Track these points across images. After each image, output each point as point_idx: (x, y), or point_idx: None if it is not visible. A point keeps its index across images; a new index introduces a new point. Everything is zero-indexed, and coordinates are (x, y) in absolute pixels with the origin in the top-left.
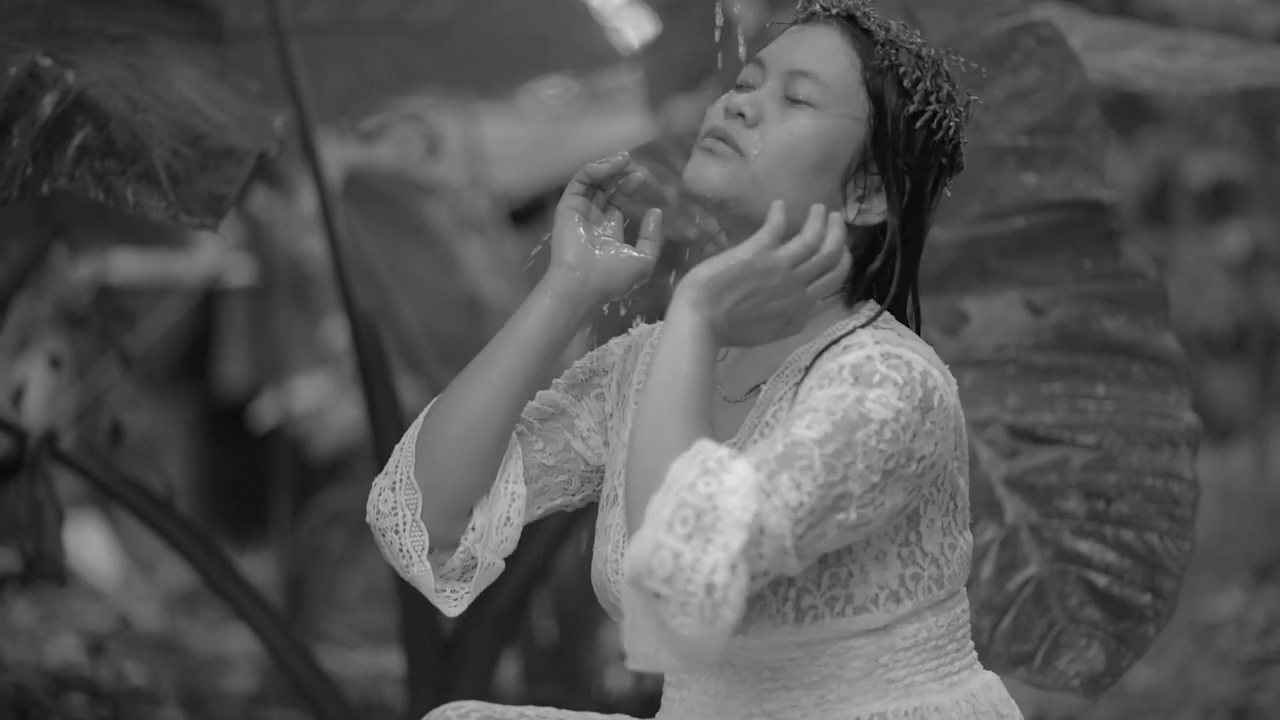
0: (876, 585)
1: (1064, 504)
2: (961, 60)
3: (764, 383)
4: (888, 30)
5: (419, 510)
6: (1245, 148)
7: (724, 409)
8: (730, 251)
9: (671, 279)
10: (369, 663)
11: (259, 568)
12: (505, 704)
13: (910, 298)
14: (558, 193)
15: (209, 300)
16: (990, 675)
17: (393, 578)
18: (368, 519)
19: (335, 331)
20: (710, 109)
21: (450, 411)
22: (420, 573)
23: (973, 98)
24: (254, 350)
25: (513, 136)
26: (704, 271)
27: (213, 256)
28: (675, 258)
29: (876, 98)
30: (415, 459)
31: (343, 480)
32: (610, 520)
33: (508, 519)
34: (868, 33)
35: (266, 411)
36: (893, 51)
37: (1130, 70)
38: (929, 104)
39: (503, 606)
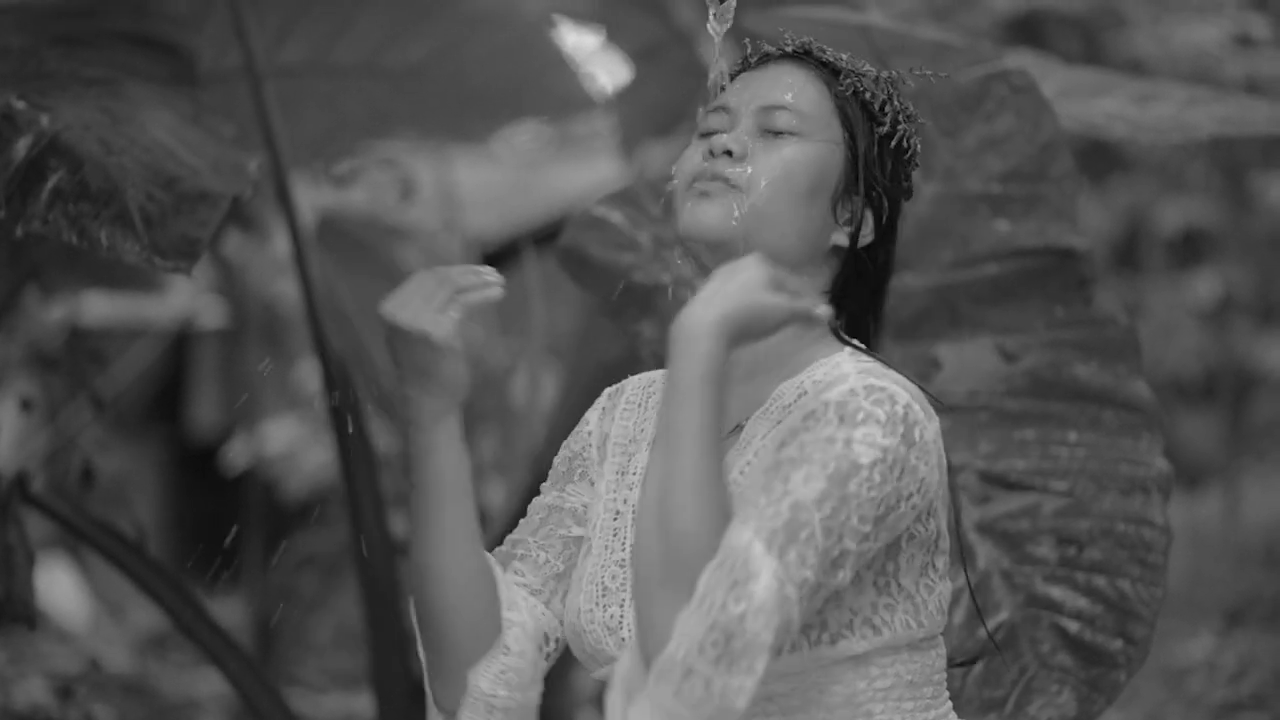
0: (850, 610)
1: (1036, 550)
2: (929, 73)
3: (746, 420)
4: (843, 60)
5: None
6: (1215, 195)
7: None
8: (719, 290)
9: (643, 327)
10: (339, 706)
11: (229, 610)
12: None
13: (874, 321)
14: (531, 237)
15: (181, 343)
16: None
17: (363, 621)
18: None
19: (307, 375)
20: (682, 158)
21: (425, 590)
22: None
23: (922, 120)
24: (226, 393)
25: (486, 181)
26: (709, 313)
27: (185, 299)
28: (649, 304)
29: (848, 123)
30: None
31: (314, 523)
32: (585, 570)
33: (506, 648)
34: (827, 64)
35: (238, 454)
36: (857, 79)
37: (1103, 118)
38: (898, 124)
39: None
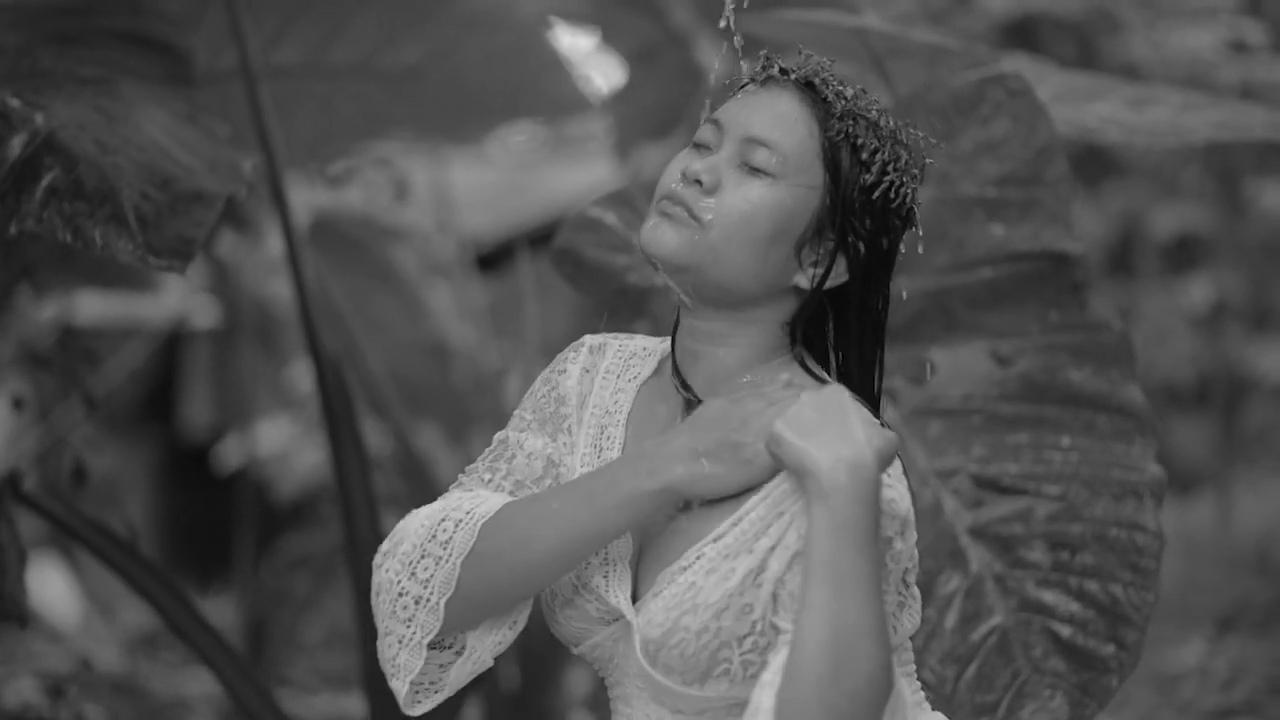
0: None
1: (1028, 554)
2: (920, 134)
3: None
4: (845, 100)
5: (429, 635)
6: (1209, 201)
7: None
8: (857, 427)
9: (637, 329)
10: (331, 707)
11: (221, 610)
12: None
13: (877, 364)
14: (525, 238)
15: (174, 342)
16: (938, 715)
17: (355, 622)
18: (374, 590)
19: (300, 375)
20: (667, 168)
21: (512, 565)
22: (399, 687)
23: (928, 160)
24: (218, 393)
25: (481, 182)
26: (868, 453)
27: (178, 299)
28: (643, 306)
29: (833, 168)
30: (454, 588)
31: (306, 524)
32: None
33: (514, 622)
34: (826, 102)
35: (230, 454)
36: (851, 123)
37: (1098, 123)
38: (886, 174)
39: None
